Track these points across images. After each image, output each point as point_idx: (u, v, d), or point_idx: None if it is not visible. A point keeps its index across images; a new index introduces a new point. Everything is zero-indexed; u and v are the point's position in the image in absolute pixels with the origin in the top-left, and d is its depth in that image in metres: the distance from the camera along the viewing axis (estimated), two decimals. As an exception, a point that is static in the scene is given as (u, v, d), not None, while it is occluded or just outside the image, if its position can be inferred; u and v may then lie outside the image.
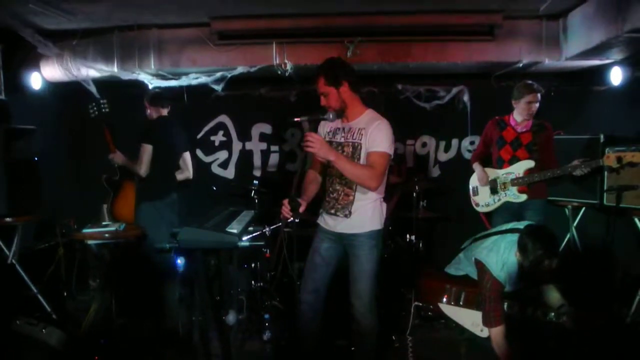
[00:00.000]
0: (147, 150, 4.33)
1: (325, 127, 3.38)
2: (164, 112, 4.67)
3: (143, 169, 4.32)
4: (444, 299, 3.33)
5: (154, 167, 4.39)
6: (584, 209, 5.32)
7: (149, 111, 4.66)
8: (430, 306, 3.40)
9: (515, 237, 3.09)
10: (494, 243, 3.22)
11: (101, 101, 4.65)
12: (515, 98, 4.31)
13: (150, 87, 5.47)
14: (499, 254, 3.12)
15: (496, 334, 3.03)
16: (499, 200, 4.44)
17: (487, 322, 3.06)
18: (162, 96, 4.73)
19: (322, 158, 3.08)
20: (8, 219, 4.45)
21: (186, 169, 4.85)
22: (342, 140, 3.24)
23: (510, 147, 4.37)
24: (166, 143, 4.48)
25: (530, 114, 4.28)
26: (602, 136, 4.85)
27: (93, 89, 5.23)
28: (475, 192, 4.70)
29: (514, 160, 4.36)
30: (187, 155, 4.87)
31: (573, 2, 4.41)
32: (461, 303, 3.28)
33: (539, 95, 4.23)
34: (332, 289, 3.45)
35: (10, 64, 4.88)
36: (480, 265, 3.19)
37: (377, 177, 3.07)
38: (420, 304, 3.44)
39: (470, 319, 3.25)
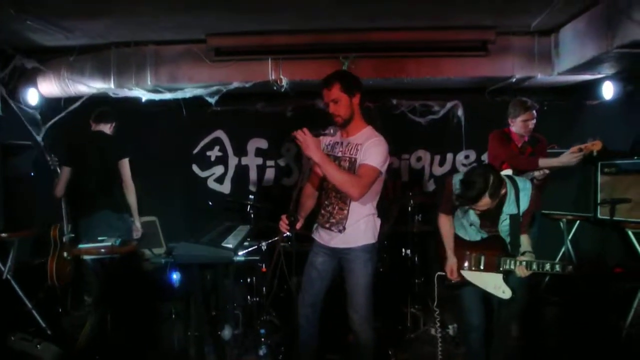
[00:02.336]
0: (65, 172, 4.45)
1: (324, 140, 3.39)
2: (105, 128, 4.65)
3: (57, 190, 4.48)
4: (465, 266, 3.36)
5: (79, 186, 4.46)
6: (578, 222, 5.36)
7: (90, 122, 4.67)
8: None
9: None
10: None
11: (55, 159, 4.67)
12: (512, 116, 4.31)
13: (143, 100, 5.50)
14: None
15: (439, 215, 3.50)
16: None
17: (439, 206, 3.51)
18: (107, 113, 4.70)
19: (307, 156, 3.03)
20: (4, 234, 4.46)
21: (123, 180, 4.55)
22: (340, 154, 3.27)
23: None
24: (87, 161, 4.46)
25: (527, 131, 4.30)
26: (595, 151, 4.89)
27: (39, 138, 5.29)
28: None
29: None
30: (123, 163, 4.54)
31: (564, 18, 4.48)
32: (482, 267, 3.31)
33: (534, 112, 4.26)
34: (329, 303, 3.46)
35: (7, 80, 4.91)
36: (449, 178, 3.40)
37: (360, 185, 3.05)
38: (443, 273, 3.46)
39: (492, 282, 3.27)
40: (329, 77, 3.21)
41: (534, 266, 3.09)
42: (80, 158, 4.44)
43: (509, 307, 3.42)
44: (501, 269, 3.23)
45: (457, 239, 3.46)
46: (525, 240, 3.25)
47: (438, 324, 3.66)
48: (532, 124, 4.27)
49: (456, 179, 3.27)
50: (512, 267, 3.17)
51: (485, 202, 3.02)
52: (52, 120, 5.36)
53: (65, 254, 4.63)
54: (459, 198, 3.11)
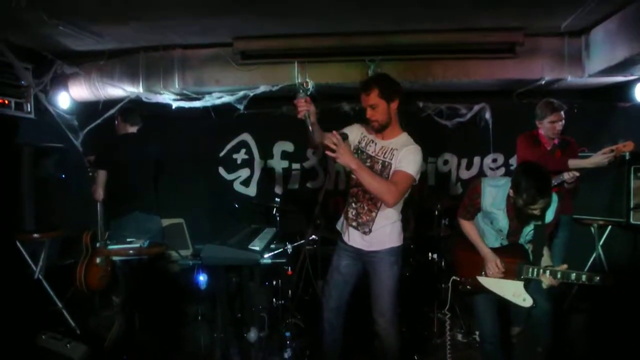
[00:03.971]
0: (102, 175, 4.43)
1: (358, 135, 3.37)
2: (133, 129, 4.66)
3: (97, 194, 4.43)
4: (483, 272, 3.29)
5: (114, 188, 4.46)
6: (610, 227, 5.23)
7: (117, 123, 4.69)
8: (469, 279, 3.37)
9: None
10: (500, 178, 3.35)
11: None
12: (539, 118, 4.25)
13: (173, 107, 5.56)
14: (499, 181, 3.25)
15: (460, 221, 3.47)
16: None
17: (458, 211, 3.47)
18: (134, 112, 4.72)
19: (342, 164, 3.02)
20: (35, 235, 4.55)
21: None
22: (374, 154, 3.26)
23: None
24: (122, 163, 4.47)
25: (555, 133, 4.22)
26: (627, 153, 4.78)
27: (77, 143, 5.37)
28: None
29: None
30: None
31: (595, 18, 4.39)
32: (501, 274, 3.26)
33: (562, 113, 4.18)
34: (355, 306, 3.45)
35: (40, 84, 5.02)
36: (477, 182, 3.35)
37: (395, 193, 3.05)
38: (458, 279, 3.39)
39: (510, 290, 3.20)
40: (368, 81, 3.19)
41: (559, 275, 3.01)
42: (115, 161, 4.49)
43: (535, 317, 3.35)
44: (522, 277, 3.16)
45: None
46: (546, 253, 3.19)
47: (448, 327, 3.60)
48: (560, 125, 4.20)
49: (488, 183, 3.24)
50: (534, 275, 3.10)
51: (547, 200, 2.96)
52: (90, 126, 5.44)
53: (98, 260, 4.67)
54: (526, 196, 2.92)
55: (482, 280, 3.31)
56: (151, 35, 4.78)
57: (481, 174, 6.01)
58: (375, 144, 3.29)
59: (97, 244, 4.60)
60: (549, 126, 4.21)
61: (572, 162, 3.99)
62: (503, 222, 3.24)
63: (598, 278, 2.90)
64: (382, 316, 3.24)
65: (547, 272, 3.04)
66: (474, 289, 3.35)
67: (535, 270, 3.10)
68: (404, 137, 3.26)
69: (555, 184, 4.10)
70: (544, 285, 3.07)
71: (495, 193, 3.21)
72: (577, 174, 4.06)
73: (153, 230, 4.57)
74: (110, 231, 4.51)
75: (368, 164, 3.22)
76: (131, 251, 3.94)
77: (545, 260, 3.17)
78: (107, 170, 4.46)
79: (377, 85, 3.13)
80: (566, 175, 4.08)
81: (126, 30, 4.57)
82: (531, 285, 3.17)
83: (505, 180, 3.18)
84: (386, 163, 3.19)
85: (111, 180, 4.49)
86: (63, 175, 4.90)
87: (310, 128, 3.02)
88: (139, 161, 4.57)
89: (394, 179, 3.09)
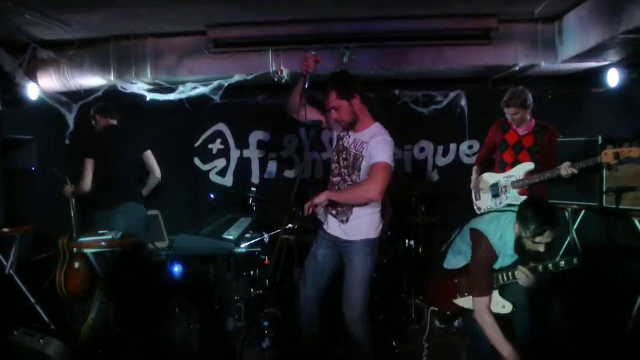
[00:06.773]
0: (88, 164, 4.35)
1: (335, 132, 3.43)
2: (113, 122, 4.68)
3: (85, 183, 4.34)
4: (457, 294, 3.29)
5: (102, 178, 4.39)
6: (583, 211, 5.28)
7: (94, 122, 4.71)
8: (447, 305, 3.37)
9: (513, 215, 3.02)
10: (493, 217, 3.21)
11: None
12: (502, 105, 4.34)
13: (148, 99, 5.47)
14: (499, 225, 3.10)
15: (480, 302, 3.05)
16: (501, 203, 4.40)
17: (474, 290, 3.08)
18: (109, 107, 4.75)
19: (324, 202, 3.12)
20: (5, 229, 4.44)
21: (152, 171, 4.82)
22: (348, 146, 3.32)
23: (513, 150, 4.36)
24: (110, 153, 4.44)
25: (514, 122, 4.34)
26: (599, 138, 4.83)
27: (71, 117, 5.33)
28: (477, 197, 4.68)
29: (516, 163, 4.35)
30: (148, 155, 4.83)
31: (568, 4, 4.41)
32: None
33: (518, 108, 4.23)
34: (332, 296, 3.44)
35: (7, 74, 4.89)
36: (477, 235, 3.13)
37: (374, 189, 3.08)
38: (437, 308, 3.40)
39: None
40: (325, 85, 3.21)
41: (539, 268, 2.96)
42: (101, 150, 4.42)
43: (518, 319, 3.32)
44: (495, 285, 3.15)
45: (445, 272, 3.39)
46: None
47: (428, 315, 3.60)
48: (515, 117, 4.28)
49: (503, 241, 3.08)
50: (506, 279, 3.10)
51: (554, 232, 2.88)
52: (85, 100, 5.34)
53: (76, 265, 4.53)
54: (534, 226, 2.82)
55: (459, 301, 3.30)
56: (122, 23, 4.69)
57: (457, 160, 6.04)
58: (349, 135, 3.35)
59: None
60: (508, 116, 4.32)
61: (570, 169, 4.10)
62: (508, 262, 3.16)
63: (576, 260, 2.88)
64: (352, 309, 3.25)
65: (522, 271, 2.99)
66: (456, 313, 3.35)
67: (505, 274, 3.10)
68: (374, 128, 3.29)
69: (549, 177, 4.18)
70: (521, 283, 3.03)
71: (505, 242, 3.09)
72: (575, 171, 4.11)
73: (143, 219, 4.59)
74: (98, 222, 4.39)
75: (344, 156, 3.32)
76: (103, 243, 3.88)
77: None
78: (98, 160, 4.37)
79: (333, 87, 3.17)
80: (563, 171, 4.12)
81: (95, 19, 4.47)
82: (507, 289, 3.17)
83: (504, 219, 3.09)
84: (358, 155, 3.25)
85: (106, 171, 4.41)
86: (32, 168, 4.80)
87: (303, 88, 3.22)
88: (125, 150, 4.53)
89: (370, 173, 3.13)
